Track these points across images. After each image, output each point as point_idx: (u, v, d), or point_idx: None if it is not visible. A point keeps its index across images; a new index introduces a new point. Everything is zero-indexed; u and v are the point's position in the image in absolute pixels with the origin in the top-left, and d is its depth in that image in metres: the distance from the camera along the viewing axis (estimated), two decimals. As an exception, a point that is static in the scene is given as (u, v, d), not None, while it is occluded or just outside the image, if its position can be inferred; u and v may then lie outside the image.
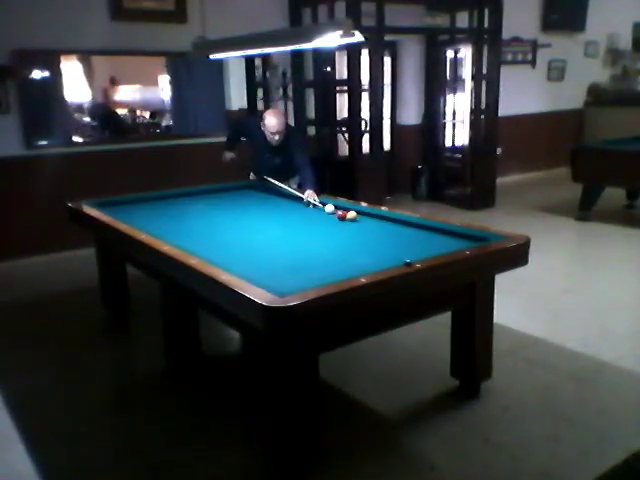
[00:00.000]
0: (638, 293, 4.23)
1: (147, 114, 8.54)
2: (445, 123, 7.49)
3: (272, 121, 4.05)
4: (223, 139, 6.05)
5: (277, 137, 4.09)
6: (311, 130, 6.53)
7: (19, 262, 5.09)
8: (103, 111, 8.02)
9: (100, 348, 3.63)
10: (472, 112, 6.82)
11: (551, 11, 8.15)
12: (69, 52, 5.63)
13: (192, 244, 2.71)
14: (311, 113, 6.48)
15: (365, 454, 2.47)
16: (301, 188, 3.99)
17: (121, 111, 8.47)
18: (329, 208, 3.42)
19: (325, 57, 6.20)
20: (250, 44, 3.31)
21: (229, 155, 4.48)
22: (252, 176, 4.56)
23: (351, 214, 3.24)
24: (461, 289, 2.65)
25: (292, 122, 6.32)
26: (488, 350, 2.88)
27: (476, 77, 6.70)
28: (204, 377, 3.16)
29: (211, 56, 3.71)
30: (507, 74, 7.15)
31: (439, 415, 2.74)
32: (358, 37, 2.56)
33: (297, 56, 6.22)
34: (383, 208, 3.63)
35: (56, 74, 5.31)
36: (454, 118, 7.47)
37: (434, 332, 3.29)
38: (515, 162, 8.16)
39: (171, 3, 5.41)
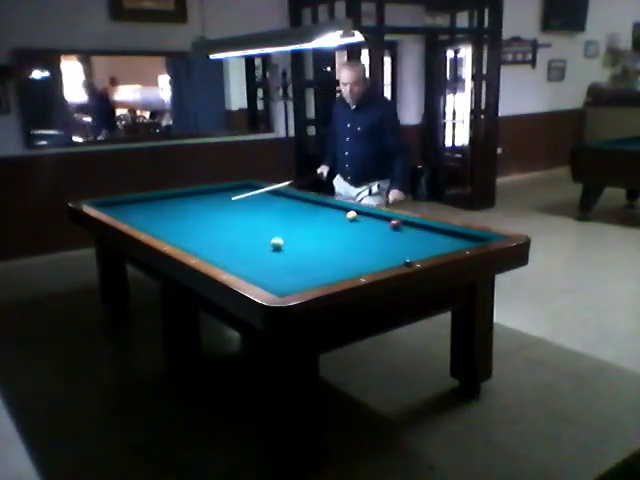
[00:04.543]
0: (638, 293, 4.23)
1: (147, 114, 8.55)
2: (445, 123, 7.50)
3: (344, 72, 3.62)
4: (223, 139, 6.16)
5: (348, 89, 3.59)
6: (311, 130, 6.53)
7: (19, 262, 5.09)
8: (100, 101, 7.95)
9: (100, 348, 3.63)
10: (472, 112, 6.82)
11: (551, 11, 8.15)
12: (69, 52, 5.63)
13: (192, 244, 2.71)
14: (311, 113, 6.47)
15: (365, 454, 2.47)
16: (389, 185, 3.71)
17: (121, 111, 8.47)
18: (351, 214, 3.20)
19: (325, 57, 6.20)
20: (250, 44, 3.30)
21: (321, 169, 4.02)
22: (321, 169, 4.05)
23: (351, 214, 3.24)
24: (461, 289, 2.65)
25: (292, 122, 6.33)
26: (488, 350, 2.88)
27: (476, 77, 6.70)
28: (204, 377, 3.16)
29: (211, 56, 3.70)
30: (507, 74, 7.15)
31: (439, 415, 2.74)
32: (358, 37, 2.55)
33: (297, 56, 6.22)
34: (383, 208, 3.63)
35: (56, 74, 5.32)
36: (454, 118, 7.48)
37: (434, 332, 3.29)
38: (515, 162, 8.16)
39: (171, 3, 5.42)
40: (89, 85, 7.92)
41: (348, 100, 3.70)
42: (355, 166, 3.81)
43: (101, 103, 7.94)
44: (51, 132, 5.31)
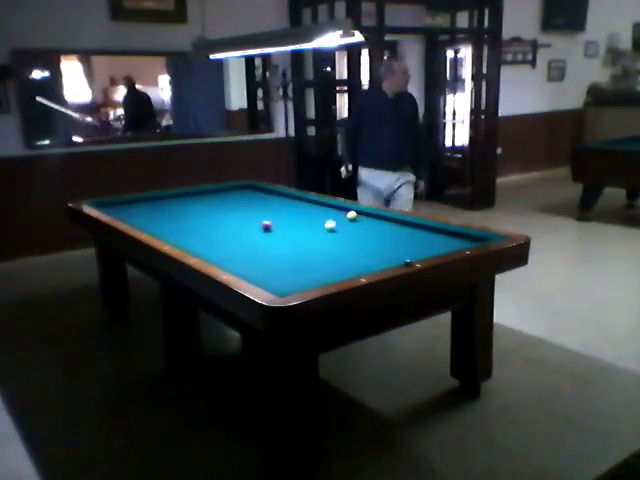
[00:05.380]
0: (638, 293, 4.23)
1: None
2: (445, 123, 7.50)
3: (401, 64, 4.17)
4: (223, 139, 6.15)
5: (407, 77, 4.16)
6: (311, 130, 6.53)
7: (19, 262, 5.09)
8: (136, 98, 7.39)
9: (100, 348, 3.63)
10: (472, 112, 6.82)
11: (551, 11, 8.15)
12: (69, 52, 5.62)
13: (192, 244, 2.71)
14: (311, 113, 6.48)
15: (365, 454, 2.47)
16: (416, 172, 4.26)
17: (121, 111, 8.43)
18: (330, 224, 3.11)
19: (325, 57, 6.20)
20: (250, 44, 3.30)
21: (347, 168, 4.28)
22: (345, 170, 4.31)
23: (351, 214, 3.24)
24: (461, 289, 2.65)
25: (292, 122, 6.33)
26: (488, 350, 2.88)
27: (476, 77, 6.71)
28: (204, 377, 3.16)
29: (211, 56, 3.71)
30: (507, 74, 7.15)
31: (439, 415, 2.74)
32: (358, 37, 2.55)
33: (297, 56, 6.22)
34: (383, 208, 3.63)
35: (56, 74, 5.31)
36: (454, 118, 7.48)
37: (434, 332, 3.29)
38: (515, 162, 8.16)
39: (171, 3, 5.42)
40: (127, 81, 7.41)
41: (400, 89, 4.15)
42: (393, 151, 4.16)
43: (137, 100, 7.41)
44: (51, 132, 5.28)
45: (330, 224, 3.04)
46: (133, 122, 7.23)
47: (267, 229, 3.05)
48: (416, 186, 4.31)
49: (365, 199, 4.29)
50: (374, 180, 4.25)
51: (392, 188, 4.24)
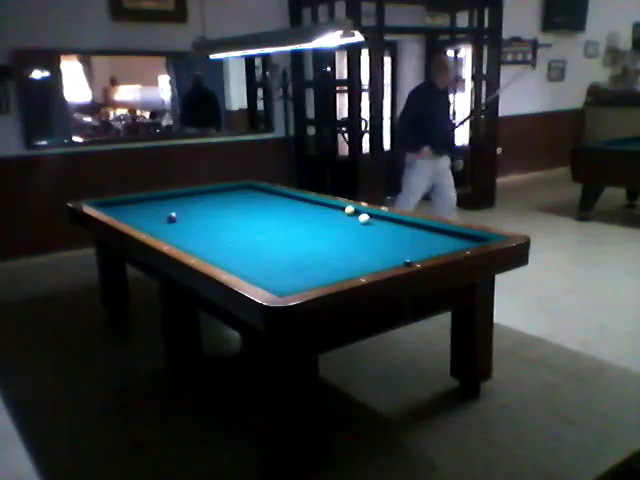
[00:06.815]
0: (638, 293, 4.23)
1: (147, 114, 8.53)
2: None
3: (450, 64, 4.77)
4: (223, 139, 6.16)
5: (450, 77, 4.77)
6: (311, 130, 6.53)
7: (19, 262, 5.09)
8: (200, 95, 7.04)
9: (100, 348, 3.63)
10: (472, 112, 6.82)
11: (551, 11, 8.15)
12: (69, 52, 5.62)
13: (192, 244, 2.71)
14: (311, 113, 6.47)
15: (365, 454, 2.47)
16: (453, 154, 4.93)
17: (121, 111, 8.44)
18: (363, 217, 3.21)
19: (325, 57, 6.20)
20: (250, 44, 3.30)
21: (427, 149, 4.73)
22: (426, 151, 4.76)
23: (349, 209, 3.27)
24: (461, 289, 2.65)
25: (292, 122, 6.33)
26: (488, 350, 2.88)
27: (476, 77, 6.70)
28: (204, 377, 3.16)
29: (211, 56, 3.71)
30: (507, 74, 7.14)
31: (439, 415, 2.74)
32: (358, 37, 2.56)
33: (297, 56, 6.22)
34: (383, 208, 3.63)
35: (56, 74, 5.31)
36: (454, 118, 7.47)
37: (434, 332, 3.29)
38: (515, 162, 8.16)
39: (171, 3, 5.41)
40: (194, 78, 7.05)
41: (446, 86, 4.79)
42: (444, 137, 4.81)
43: (204, 98, 7.08)
44: (51, 132, 5.27)
45: (364, 217, 3.18)
46: (198, 120, 6.95)
47: (172, 220, 3.22)
48: (458, 165, 5.06)
49: (417, 182, 4.86)
50: (430, 165, 4.81)
51: (443, 171, 4.90)
